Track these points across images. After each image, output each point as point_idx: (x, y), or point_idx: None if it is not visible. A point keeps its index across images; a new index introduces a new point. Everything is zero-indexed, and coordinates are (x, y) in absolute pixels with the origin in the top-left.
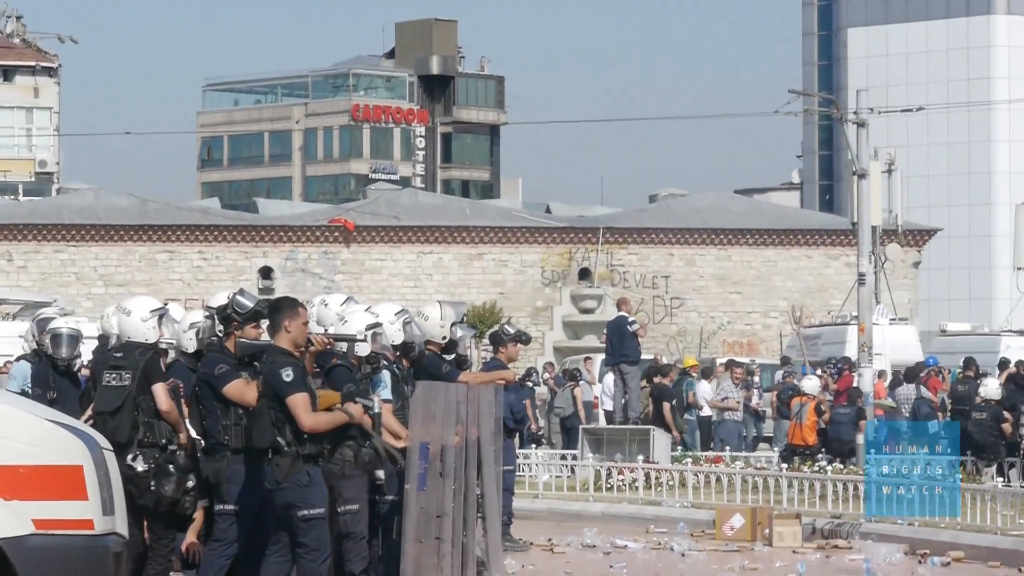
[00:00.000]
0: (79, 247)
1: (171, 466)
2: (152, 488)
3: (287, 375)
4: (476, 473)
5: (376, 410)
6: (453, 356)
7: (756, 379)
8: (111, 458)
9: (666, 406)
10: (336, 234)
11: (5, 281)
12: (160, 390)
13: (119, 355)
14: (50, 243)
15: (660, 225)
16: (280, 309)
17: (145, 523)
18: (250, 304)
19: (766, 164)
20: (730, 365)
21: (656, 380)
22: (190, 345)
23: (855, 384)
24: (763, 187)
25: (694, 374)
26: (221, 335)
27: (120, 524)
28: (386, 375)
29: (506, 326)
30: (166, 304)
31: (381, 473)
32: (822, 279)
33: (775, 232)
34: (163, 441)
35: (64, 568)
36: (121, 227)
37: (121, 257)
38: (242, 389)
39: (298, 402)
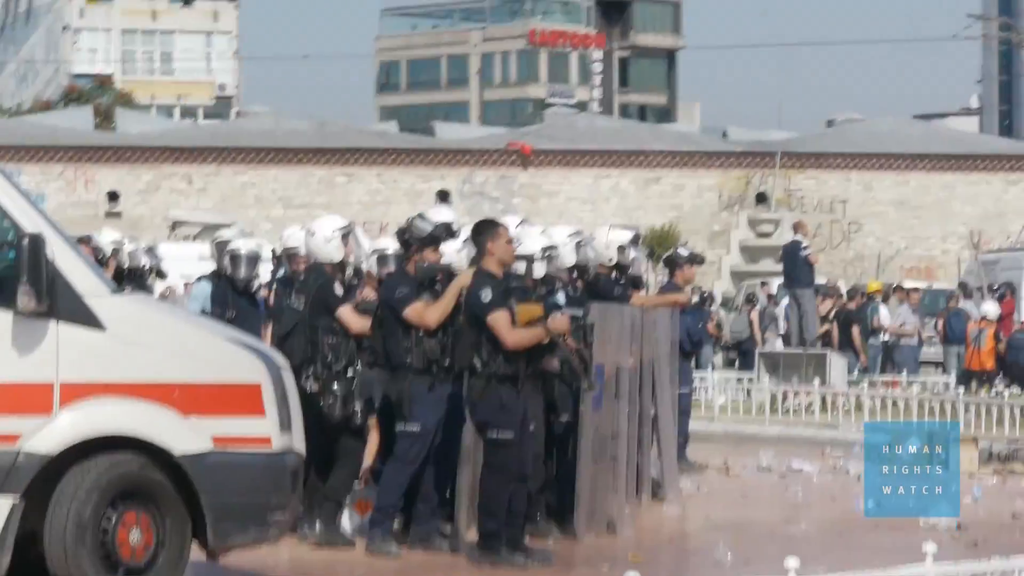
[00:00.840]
0: (258, 169)
1: (335, 384)
2: (321, 407)
3: (485, 295)
4: (651, 395)
5: (588, 320)
6: (627, 278)
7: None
8: (288, 376)
9: (855, 330)
10: (513, 158)
11: (185, 203)
12: (345, 313)
13: (303, 279)
14: (230, 165)
15: (838, 150)
16: (481, 232)
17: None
18: (428, 228)
19: (945, 89)
20: (898, 290)
21: (842, 304)
22: (336, 255)
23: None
24: (942, 112)
25: (878, 298)
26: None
27: (298, 442)
28: (561, 297)
29: (680, 249)
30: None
31: (584, 384)
32: (1001, 204)
33: (954, 157)
34: (344, 361)
35: (242, 484)
36: (300, 150)
37: (300, 180)
38: (421, 312)
39: (498, 320)
